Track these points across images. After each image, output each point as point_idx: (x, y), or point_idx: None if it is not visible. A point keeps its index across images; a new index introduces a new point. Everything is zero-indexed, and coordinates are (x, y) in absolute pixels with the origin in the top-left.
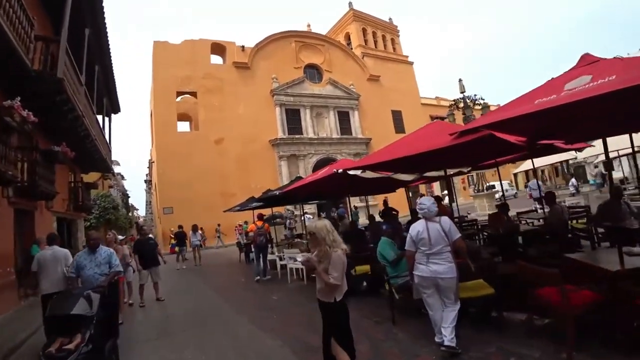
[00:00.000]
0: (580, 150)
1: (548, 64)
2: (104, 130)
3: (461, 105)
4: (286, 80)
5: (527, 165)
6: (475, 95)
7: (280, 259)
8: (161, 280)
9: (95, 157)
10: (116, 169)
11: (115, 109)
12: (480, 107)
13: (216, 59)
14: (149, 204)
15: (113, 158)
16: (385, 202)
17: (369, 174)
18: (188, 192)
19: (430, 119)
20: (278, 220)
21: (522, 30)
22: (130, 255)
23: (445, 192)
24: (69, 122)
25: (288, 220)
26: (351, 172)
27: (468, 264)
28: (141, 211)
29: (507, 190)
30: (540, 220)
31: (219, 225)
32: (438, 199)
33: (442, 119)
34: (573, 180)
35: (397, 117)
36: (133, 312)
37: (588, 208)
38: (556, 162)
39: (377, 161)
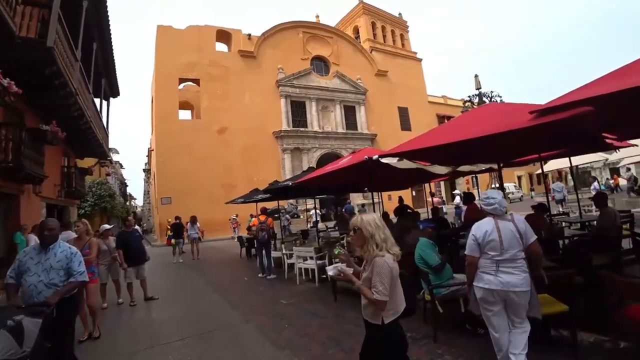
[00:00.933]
0: (618, 149)
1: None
2: (101, 113)
3: (476, 101)
4: (292, 72)
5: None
6: (492, 92)
7: (289, 257)
8: (147, 277)
9: (90, 140)
10: (115, 157)
11: (115, 92)
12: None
13: (221, 47)
14: (147, 193)
15: (112, 146)
16: (400, 200)
17: (403, 164)
18: (188, 183)
19: (437, 117)
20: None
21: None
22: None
23: (457, 191)
24: (61, 99)
25: (282, 217)
26: (384, 161)
27: (541, 274)
28: (139, 201)
29: (512, 193)
30: (575, 223)
31: (236, 215)
32: (470, 196)
33: (449, 118)
34: (595, 184)
35: (403, 114)
36: (121, 312)
37: (629, 212)
38: (563, 167)
39: (424, 146)
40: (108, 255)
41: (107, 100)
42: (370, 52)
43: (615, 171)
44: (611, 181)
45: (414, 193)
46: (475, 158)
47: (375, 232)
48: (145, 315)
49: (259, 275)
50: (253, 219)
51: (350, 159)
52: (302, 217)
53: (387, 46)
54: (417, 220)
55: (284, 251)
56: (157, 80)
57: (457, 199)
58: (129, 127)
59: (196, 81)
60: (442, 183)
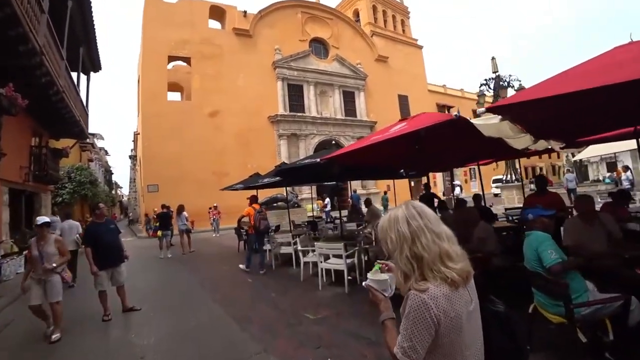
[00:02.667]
0: None
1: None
2: (79, 87)
3: (492, 85)
4: (290, 53)
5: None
6: (510, 76)
7: (304, 254)
8: (127, 281)
9: (65, 116)
10: (100, 144)
11: (95, 65)
12: (516, 90)
13: (214, 25)
14: (133, 181)
15: (97, 131)
16: (426, 186)
17: (493, 130)
18: (176, 169)
19: (437, 107)
20: (281, 203)
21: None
22: (62, 254)
23: (457, 182)
24: (22, 57)
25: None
26: (477, 121)
27: None
28: (125, 190)
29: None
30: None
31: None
32: (544, 180)
33: (449, 108)
34: (628, 173)
35: (403, 102)
36: (91, 330)
37: None
38: (555, 159)
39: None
40: (39, 265)
41: (87, 74)
42: (371, 37)
43: (612, 165)
44: (614, 174)
45: (412, 183)
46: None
47: (396, 249)
48: (122, 337)
49: (260, 272)
50: (246, 208)
51: (406, 126)
52: (303, 207)
53: (388, 31)
54: (464, 206)
55: (299, 247)
56: (144, 57)
57: (457, 190)
58: (118, 116)
59: (187, 60)
60: (441, 175)
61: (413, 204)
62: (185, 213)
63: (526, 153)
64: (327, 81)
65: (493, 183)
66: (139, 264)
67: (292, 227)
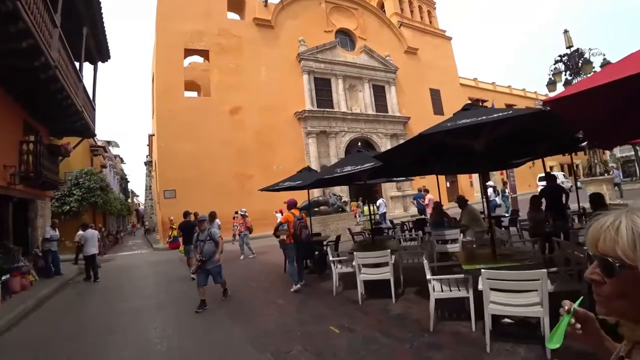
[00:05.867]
0: None
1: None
2: (81, 73)
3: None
4: (315, 45)
5: None
6: (590, 49)
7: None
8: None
9: (61, 103)
10: (114, 151)
11: (103, 52)
12: (600, 65)
13: (233, 17)
14: (149, 188)
15: (111, 139)
16: (550, 175)
17: None
18: (194, 172)
19: (469, 101)
20: (323, 208)
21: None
22: None
23: (491, 182)
24: None
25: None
26: None
27: None
28: (141, 198)
29: (562, 183)
30: None
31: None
32: None
33: (483, 102)
34: None
35: (435, 96)
36: None
37: None
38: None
39: None
40: None
41: (94, 63)
42: (399, 28)
43: None
44: None
45: (448, 184)
46: None
47: None
48: None
49: (297, 285)
50: (283, 214)
51: None
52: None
53: (415, 22)
54: None
55: (428, 275)
56: (159, 51)
57: (490, 191)
58: (137, 127)
59: (204, 53)
60: (475, 176)
61: None
62: (218, 220)
63: None
64: (356, 74)
65: (539, 181)
66: (160, 288)
67: (355, 237)
